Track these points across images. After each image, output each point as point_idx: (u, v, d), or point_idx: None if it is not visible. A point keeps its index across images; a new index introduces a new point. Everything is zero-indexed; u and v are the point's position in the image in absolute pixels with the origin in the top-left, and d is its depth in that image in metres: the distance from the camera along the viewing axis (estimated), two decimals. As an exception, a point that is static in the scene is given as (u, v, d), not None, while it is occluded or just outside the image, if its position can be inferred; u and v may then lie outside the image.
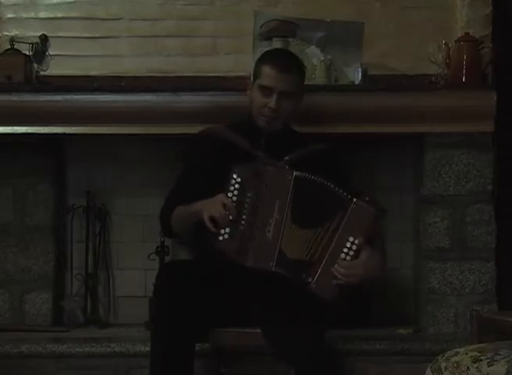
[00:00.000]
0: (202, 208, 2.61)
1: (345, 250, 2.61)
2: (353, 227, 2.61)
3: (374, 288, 2.74)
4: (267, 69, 2.77)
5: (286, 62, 2.80)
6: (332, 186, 2.62)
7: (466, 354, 2.18)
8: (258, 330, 2.66)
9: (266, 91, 2.76)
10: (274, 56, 2.85)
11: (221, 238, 2.61)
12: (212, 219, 2.58)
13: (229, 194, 2.61)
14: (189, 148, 2.93)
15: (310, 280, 2.62)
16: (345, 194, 2.62)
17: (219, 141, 2.82)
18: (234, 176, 2.61)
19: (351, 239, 2.61)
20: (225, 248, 2.62)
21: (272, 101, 2.75)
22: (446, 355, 2.23)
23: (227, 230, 2.60)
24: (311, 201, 2.63)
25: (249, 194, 2.61)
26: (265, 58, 2.83)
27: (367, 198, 2.62)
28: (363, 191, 2.72)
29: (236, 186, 2.61)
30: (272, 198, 2.62)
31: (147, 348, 2.66)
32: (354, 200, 2.61)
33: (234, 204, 2.59)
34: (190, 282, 2.63)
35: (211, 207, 2.59)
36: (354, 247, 2.61)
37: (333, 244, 2.61)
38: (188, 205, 2.69)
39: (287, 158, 2.74)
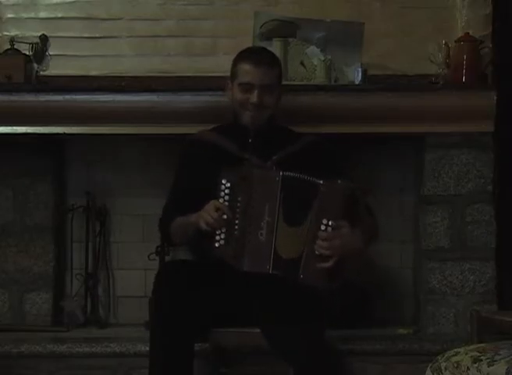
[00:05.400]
0: (197, 218, 2.62)
1: (320, 234, 2.60)
2: (325, 210, 2.60)
3: (358, 269, 2.73)
4: (244, 67, 2.81)
5: (262, 57, 2.84)
6: (312, 178, 2.62)
7: (466, 354, 2.18)
8: (258, 330, 2.66)
9: (247, 87, 2.79)
10: (248, 53, 2.88)
11: (217, 245, 2.61)
12: (209, 225, 2.59)
13: (221, 200, 2.62)
14: (178, 156, 2.94)
15: (297, 272, 2.61)
16: (316, 180, 2.61)
17: (207, 146, 2.84)
18: (223, 181, 2.62)
19: (325, 221, 2.60)
20: (222, 254, 2.62)
21: (254, 97, 2.78)
22: (446, 355, 2.23)
23: (222, 236, 2.61)
24: (299, 199, 2.63)
25: (239, 198, 2.62)
26: (240, 57, 2.86)
27: (338, 181, 2.62)
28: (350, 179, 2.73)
29: (226, 191, 2.62)
30: (261, 201, 2.63)
31: (147, 348, 2.66)
32: (321, 183, 2.60)
33: (226, 207, 2.60)
34: (189, 282, 2.64)
35: (204, 214, 2.60)
36: (329, 228, 2.60)
37: (310, 231, 2.61)
38: (185, 216, 2.71)
39: (275, 157, 2.75)
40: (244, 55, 2.86)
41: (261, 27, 3.31)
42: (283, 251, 2.62)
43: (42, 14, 3.48)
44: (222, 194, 2.62)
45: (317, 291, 2.64)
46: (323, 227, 2.60)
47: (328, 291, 2.66)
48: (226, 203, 2.61)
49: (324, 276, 2.61)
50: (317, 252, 2.60)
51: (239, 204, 2.62)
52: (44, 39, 3.30)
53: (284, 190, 2.62)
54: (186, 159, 2.91)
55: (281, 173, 2.63)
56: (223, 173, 2.63)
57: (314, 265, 2.60)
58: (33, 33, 3.36)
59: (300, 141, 2.85)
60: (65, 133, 3.24)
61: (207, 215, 2.59)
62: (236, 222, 2.62)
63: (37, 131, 3.23)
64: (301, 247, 2.62)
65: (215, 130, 2.93)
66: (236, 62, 2.86)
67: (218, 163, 2.68)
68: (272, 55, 2.94)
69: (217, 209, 2.59)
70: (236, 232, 2.62)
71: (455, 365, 2.17)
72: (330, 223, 2.60)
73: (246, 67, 2.80)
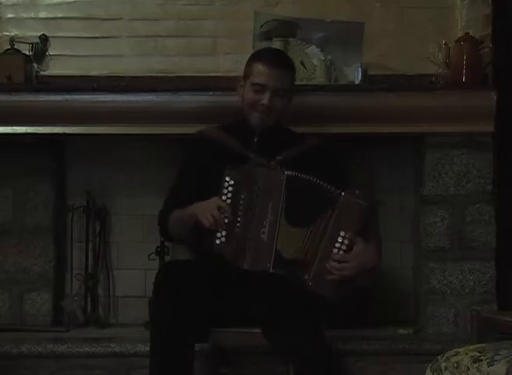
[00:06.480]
0: (197, 211, 2.61)
1: (337, 245, 2.61)
2: (343, 222, 2.60)
3: (371, 281, 2.74)
4: (259, 67, 2.78)
5: (277, 60, 2.82)
6: (322, 183, 2.62)
7: (466, 354, 2.18)
8: (258, 330, 2.65)
9: (259, 88, 2.77)
10: (265, 54, 2.86)
11: (218, 242, 2.61)
12: (209, 224, 2.58)
13: (223, 197, 2.61)
14: (182, 151, 2.94)
15: (306, 278, 2.61)
16: (334, 189, 2.61)
17: (212, 142, 2.83)
18: (227, 178, 2.61)
19: (342, 233, 2.60)
20: (223, 251, 2.62)
21: (265, 98, 2.75)
22: (446, 355, 2.23)
23: (223, 233, 2.60)
24: (303, 200, 2.63)
25: (242, 196, 2.62)
26: (256, 57, 2.84)
27: (357, 192, 2.62)
28: (353, 184, 2.74)
29: (230, 189, 2.61)
30: (265, 200, 2.62)
31: (147, 348, 2.65)
32: (343, 194, 2.60)
33: (228, 207, 2.60)
34: (189, 282, 2.63)
35: (205, 210, 2.59)
36: (346, 241, 2.60)
37: (325, 240, 2.61)
38: (183, 208, 2.70)
39: (280, 157, 2.75)
40: (261, 56, 2.83)
41: (261, 27, 3.31)
42: (285, 250, 2.62)
43: (42, 14, 3.48)
44: (226, 191, 2.61)
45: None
46: (340, 239, 2.60)
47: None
48: (229, 201, 2.61)
49: (333, 288, 2.61)
50: (329, 268, 2.60)
51: (242, 201, 2.62)
52: (44, 39, 3.31)
53: (288, 189, 2.62)
54: (190, 155, 2.89)
55: (285, 173, 2.63)
56: (227, 170, 2.62)
57: (325, 277, 2.60)
58: (33, 33, 3.37)
59: (304, 143, 2.84)
60: (65, 133, 3.24)
61: (208, 213, 2.58)
62: (239, 219, 2.61)
63: (37, 131, 3.23)
64: (302, 250, 2.61)
65: (221, 127, 2.91)
66: (251, 61, 2.83)
67: (222, 160, 2.67)
68: (288, 58, 2.92)
69: (219, 208, 2.58)
70: (237, 230, 2.61)
71: (455, 365, 2.17)
72: (347, 235, 2.59)
73: (261, 68, 2.77)
